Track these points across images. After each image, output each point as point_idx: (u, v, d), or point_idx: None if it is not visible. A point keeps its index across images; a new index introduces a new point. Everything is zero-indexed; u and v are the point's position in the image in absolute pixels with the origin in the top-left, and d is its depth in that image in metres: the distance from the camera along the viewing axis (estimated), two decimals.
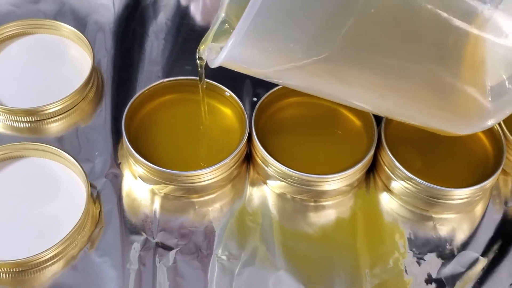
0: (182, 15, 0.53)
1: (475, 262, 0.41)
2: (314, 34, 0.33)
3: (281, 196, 0.44)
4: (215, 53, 0.38)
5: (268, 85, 0.46)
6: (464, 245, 0.42)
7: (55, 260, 0.40)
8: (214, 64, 0.36)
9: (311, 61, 0.35)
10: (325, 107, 0.46)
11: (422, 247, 0.42)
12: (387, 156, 0.43)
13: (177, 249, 0.41)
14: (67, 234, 0.39)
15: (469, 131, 0.39)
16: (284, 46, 0.34)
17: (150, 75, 0.49)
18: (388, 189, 0.44)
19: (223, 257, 0.40)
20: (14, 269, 0.39)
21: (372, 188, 0.45)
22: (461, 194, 0.42)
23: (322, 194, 0.43)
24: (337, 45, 0.33)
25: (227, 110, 0.46)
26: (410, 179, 0.42)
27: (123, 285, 0.39)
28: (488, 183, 0.42)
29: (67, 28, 0.49)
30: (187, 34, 0.52)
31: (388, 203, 0.44)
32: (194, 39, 0.50)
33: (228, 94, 0.45)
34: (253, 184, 0.44)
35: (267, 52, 0.34)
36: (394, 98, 0.38)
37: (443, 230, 0.43)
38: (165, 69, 0.50)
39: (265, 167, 0.43)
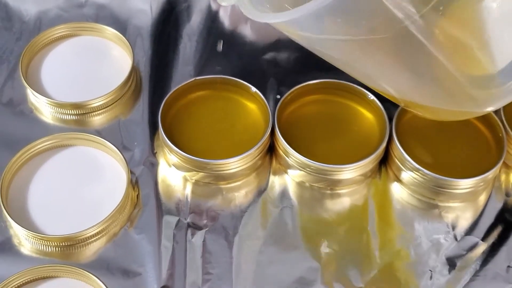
0: (212, 18, 0.58)
1: (475, 245, 0.45)
2: (386, 15, 0.34)
3: (300, 184, 0.48)
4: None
5: (290, 84, 0.51)
6: (467, 231, 0.46)
7: (98, 236, 0.45)
8: (268, 19, 0.37)
9: (368, 38, 0.37)
10: (342, 104, 0.50)
11: (427, 232, 0.46)
12: (397, 149, 0.47)
13: (206, 229, 0.45)
14: (110, 214, 0.44)
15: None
16: (355, 21, 0.35)
17: (184, 73, 0.54)
18: (399, 179, 0.48)
19: (247, 236, 0.45)
20: (63, 243, 0.44)
21: (384, 178, 0.49)
22: (464, 184, 0.46)
23: (337, 183, 0.48)
24: (398, 30, 0.36)
25: (253, 105, 0.50)
26: (418, 170, 0.46)
27: (159, 259, 0.44)
28: (489, 174, 0.46)
29: (109, 30, 0.54)
30: (217, 36, 0.57)
31: (398, 192, 0.48)
32: (224, 41, 0.56)
33: (254, 91, 0.50)
34: (275, 173, 0.49)
35: (333, 23, 0.36)
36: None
37: (448, 217, 0.47)
38: (196, 69, 0.54)
39: (286, 158, 0.48)
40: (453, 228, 0.46)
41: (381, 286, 0.43)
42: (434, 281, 0.44)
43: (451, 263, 0.44)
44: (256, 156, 0.48)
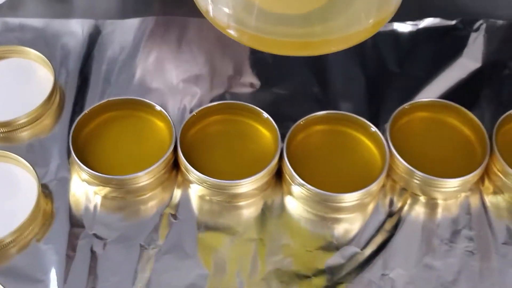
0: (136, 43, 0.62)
1: (354, 255, 0.49)
2: None
3: (201, 198, 0.52)
4: None
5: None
6: (349, 241, 0.50)
7: (9, 246, 0.49)
8: None
9: None
10: (243, 123, 0.55)
11: (313, 243, 0.50)
12: (286, 166, 0.51)
13: (109, 239, 0.50)
14: (19, 224, 0.49)
15: None
16: None
17: (103, 94, 0.58)
18: (291, 193, 0.52)
19: (146, 246, 0.49)
20: None
21: (278, 192, 0.53)
22: (349, 198, 0.50)
23: (235, 196, 0.52)
24: None
25: (161, 124, 0.54)
26: (303, 185, 0.50)
27: (62, 267, 0.48)
28: (372, 187, 0.50)
29: (34, 52, 0.59)
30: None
31: (291, 204, 0.52)
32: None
33: (159, 109, 0.54)
34: (179, 187, 0.53)
35: None
36: None
37: (334, 229, 0.51)
38: (113, 90, 0.59)
39: (187, 174, 0.52)
40: (337, 239, 0.50)
41: None
42: (312, 282, 0.48)
43: (330, 271, 0.49)
44: (161, 171, 0.52)
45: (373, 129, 0.53)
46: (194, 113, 0.54)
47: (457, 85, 0.59)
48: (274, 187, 0.53)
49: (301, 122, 0.54)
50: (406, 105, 0.54)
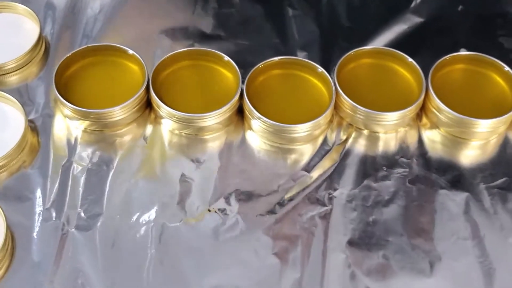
0: None
1: (303, 177, 0.56)
2: None
3: (171, 132, 0.59)
4: None
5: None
6: (299, 167, 0.57)
7: (1, 171, 0.56)
8: None
9: None
10: (207, 67, 0.61)
11: (269, 168, 0.57)
12: (246, 103, 0.58)
13: (88, 166, 0.56)
14: (8, 152, 0.55)
15: None
16: None
17: (83, 43, 0.65)
18: (251, 128, 0.59)
19: (120, 172, 0.56)
20: None
21: (240, 128, 0.60)
22: (300, 129, 0.57)
23: (201, 130, 0.59)
24: None
25: (135, 66, 0.61)
26: (260, 118, 0.57)
27: (47, 188, 0.55)
28: (320, 119, 0.57)
29: (21, 7, 0.65)
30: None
31: (251, 137, 0.59)
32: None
33: (131, 53, 0.60)
34: (151, 123, 0.59)
35: None
36: None
37: (287, 157, 0.58)
38: (95, 38, 0.66)
39: (158, 110, 0.59)
40: (289, 165, 0.57)
41: (223, 207, 0.54)
42: (265, 200, 0.54)
43: (282, 190, 0.55)
44: (134, 107, 0.58)
45: (319, 70, 0.60)
46: (165, 57, 0.61)
47: (402, 36, 0.67)
48: (236, 124, 0.60)
49: (260, 66, 0.60)
50: (352, 52, 0.61)
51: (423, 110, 0.60)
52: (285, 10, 0.69)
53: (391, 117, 0.58)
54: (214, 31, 0.67)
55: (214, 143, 0.59)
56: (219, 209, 0.54)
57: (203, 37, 0.67)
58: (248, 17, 0.69)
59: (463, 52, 0.62)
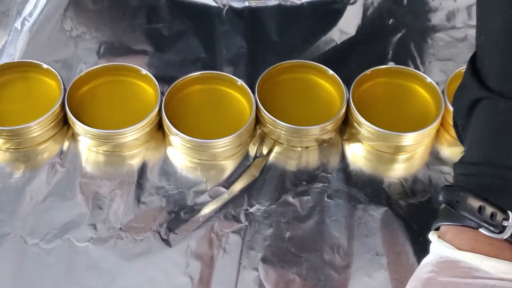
0: None
1: (221, 194, 0.55)
2: None
3: (88, 149, 0.57)
4: None
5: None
6: (218, 182, 0.55)
7: None
8: None
9: None
10: (124, 82, 0.60)
11: (186, 184, 0.55)
12: (164, 119, 0.57)
13: (0, 185, 0.55)
14: None
15: None
16: None
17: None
18: (171, 144, 0.58)
19: (34, 191, 0.54)
20: None
21: (161, 143, 0.58)
22: (220, 143, 0.55)
23: (119, 146, 0.57)
24: None
25: (51, 81, 0.60)
26: (177, 134, 0.56)
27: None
28: (240, 132, 0.56)
29: None
30: None
31: (171, 154, 0.57)
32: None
33: (46, 67, 0.59)
34: (68, 139, 0.58)
35: None
36: None
37: (207, 173, 0.56)
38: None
39: (74, 127, 0.57)
40: (208, 181, 0.56)
41: (134, 225, 0.53)
42: (180, 217, 0.53)
43: (198, 207, 0.54)
44: (50, 124, 0.57)
45: (239, 83, 0.59)
46: (82, 73, 0.60)
47: (331, 50, 0.66)
48: (157, 140, 0.59)
49: (180, 81, 0.60)
50: (273, 67, 0.60)
51: (346, 124, 0.60)
52: (213, 25, 0.68)
53: (312, 132, 0.57)
54: (140, 46, 0.66)
55: (132, 160, 0.58)
56: (130, 228, 0.53)
57: (129, 52, 0.66)
58: (176, 32, 0.68)
59: (383, 66, 0.61)
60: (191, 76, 0.60)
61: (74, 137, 0.58)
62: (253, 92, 0.59)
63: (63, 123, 0.59)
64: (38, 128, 0.57)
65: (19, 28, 0.67)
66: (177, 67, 0.65)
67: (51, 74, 0.60)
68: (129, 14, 0.69)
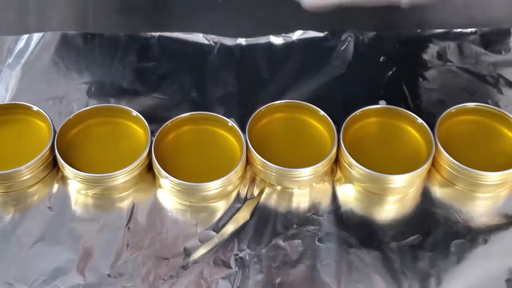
0: None
1: (211, 238, 0.54)
2: None
3: (77, 192, 0.57)
4: None
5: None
6: (208, 226, 0.55)
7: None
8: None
9: None
10: (116, 123, 0.60)
11: (176, 229, 0.55)
12: (154, 162, 0.57)
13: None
14: None
15: None
16: None
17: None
18: (161, 186, 0.57)
19: (22, 235, 0.54)
20: None
21: (151, 185, 0.58)
22: (211, 187, 0.55)
23: (109, 189, 0.57)
24: None
25: (41, 123, 0.60)
26: (167, 177, 0.55)
27: None
28: (231, 175, 0.55)
29: None
30: None
31: (161, 196, 0.57)
32: None
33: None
34: (58, 182, 0.57)
35: None
36: None
37: (197, 216, 0.56)
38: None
39: (63, 170, 0.57)
40: (198, 224, 0.56)
41: (123, 271, 0.52)
42: (169, 263, 0.53)
43: (187, 252, 0.54)
44: (39, 167, 0.56)
45: (230, 124, 0.59)
46: (71, 116, 0.59)
47: (322, 88, 0.66)
48: (148, 181, 0.58)
49: (168, 124, 0.59)
50: (263, 108, 0.60)
51: (337, 164, 0.60)
52: (205, 64, 0.68)
53: (303, 173, 0.57)
54: (131, 86, 0.66)
55: (122, 203, 0.57)
56: (119, 274, 0.52)
57: (120, 92, 0.66)
58: (167, 71, 0.68)
59: (374, 106, 0.61)
60: (181, 117, 0.60)
61: (63, 179, 0.58)
62: (244, 132, 0.59)
63: (53, 166, 0.59)
64: (28, 171, 0.56)
65: (10, 67, 0.67)
66: (168, 106, 0.65)
67: (41, 116, 0.59)
68: (120, 53, 0.69)
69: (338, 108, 0.63)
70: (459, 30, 0.71)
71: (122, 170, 0.56)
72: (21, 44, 0.69)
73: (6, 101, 0.64)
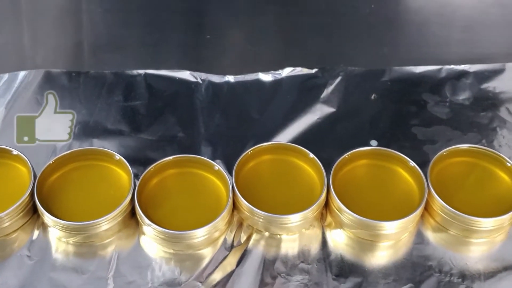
0: None
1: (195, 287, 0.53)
2: None
3: (58, 239, 0.55)
4: None
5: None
6: (192, 276, 0.53)
7: None
8: None
9: None
10: (99, 166, 0.58)
11: (160, 278, 0.53)
12: (137, 208, 0.55)
13: None
14: None
15: None
16: None
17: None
18: (144, 233, 0.55)
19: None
20: None
21: (135, 232, 0.56)
22: (197, 234, 0.53)
23: (90, 237, 0.55)
24: None
25: (23, 168, 0.58)
26: (150, 225, 0.53)
27: None
28: (217, 222, 0.53)
29: None
30: None
31: (145, 243, 0.55)
32: None
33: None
34: (38, 228, 0.55)
35: None
36: None
37: (181, 264, 0.54)
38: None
39: (43, 217, 0.55)
40: (182, 273, 0.54)
41: None
42: None
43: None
44: (18, 214, 0.54)
45: (216, 168, 0.57)
46: (50, 161, 0.57)
47: (312, 128, 0.64)
48: (131, 228, 0.56)
49: (151, 169, 0.57)
50: (250, 150, 0.58)
51: (327, 209, 0.58)
52: (192, 102, 0.67)
53: (291, 220, 0.55)
54: (116, 126, 0.65)
55: (104, 251, 0.55)
56: None
57: (104, 133, 0.64)
58: (153, 110, 0.66)
59: (365, 148, 0.59)
60: (165, 160, 0.58)
61: (44, 226, 0.56)
62: (231, 175, 0.58)
63: (33, 212, 0.57)
64: (7, 219, 0.54)
65: None
66: (154, 147, 0.63)
67: (21, 160, 0.58)
68: (105, 91, 0.68)
69: (328, 149, 0.61)
70: (452, 66, 0.70)
71: (103, 218, 0.54)
72: (4, 82, 0.68)
73: None
